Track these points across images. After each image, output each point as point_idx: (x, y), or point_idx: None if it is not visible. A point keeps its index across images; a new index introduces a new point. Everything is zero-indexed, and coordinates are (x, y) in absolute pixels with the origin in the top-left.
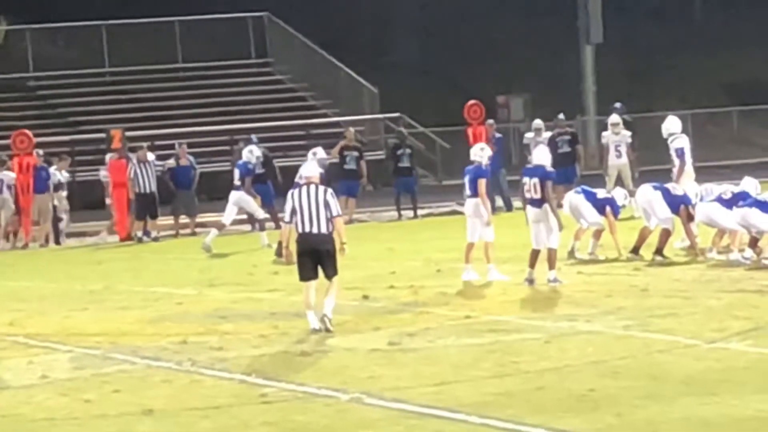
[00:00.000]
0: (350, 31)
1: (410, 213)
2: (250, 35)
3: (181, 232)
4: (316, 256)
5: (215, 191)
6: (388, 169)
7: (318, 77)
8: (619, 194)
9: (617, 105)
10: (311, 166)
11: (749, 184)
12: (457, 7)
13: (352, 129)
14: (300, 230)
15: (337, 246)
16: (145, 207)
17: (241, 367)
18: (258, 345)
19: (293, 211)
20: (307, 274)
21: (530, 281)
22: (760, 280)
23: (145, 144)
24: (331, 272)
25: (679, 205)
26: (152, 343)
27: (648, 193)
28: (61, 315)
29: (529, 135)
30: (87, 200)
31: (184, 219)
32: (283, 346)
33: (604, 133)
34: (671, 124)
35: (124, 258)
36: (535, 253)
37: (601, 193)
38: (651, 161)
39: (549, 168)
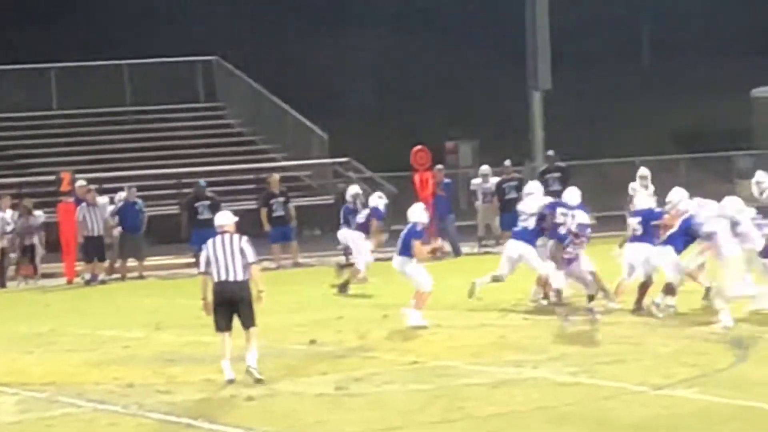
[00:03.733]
0: (300, 76)
1: None
2: (199, 79)
3: (129, 275)
4: (232, 305)
5: (163, 235)
6: (336, 214)
7: (267, 121)
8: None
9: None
10: (225, 214)
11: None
12: (407, 52)
13: (276, 175)
14: (216, 279)
15: (254, 294)
16: (94, 250)
17: (188, 410)
18: (205, 389)
19: (208, 261)
20: (222, 324)
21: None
22: (707, 327)
23: (93, 187)
24: (248, 322)
25: None
26: (99, 386)
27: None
28: (8, 357)
29: (476, 181)
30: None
31: (132, 262)
32: (231, 390)
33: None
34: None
35: (72, 300)
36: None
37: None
38: (597, 208)
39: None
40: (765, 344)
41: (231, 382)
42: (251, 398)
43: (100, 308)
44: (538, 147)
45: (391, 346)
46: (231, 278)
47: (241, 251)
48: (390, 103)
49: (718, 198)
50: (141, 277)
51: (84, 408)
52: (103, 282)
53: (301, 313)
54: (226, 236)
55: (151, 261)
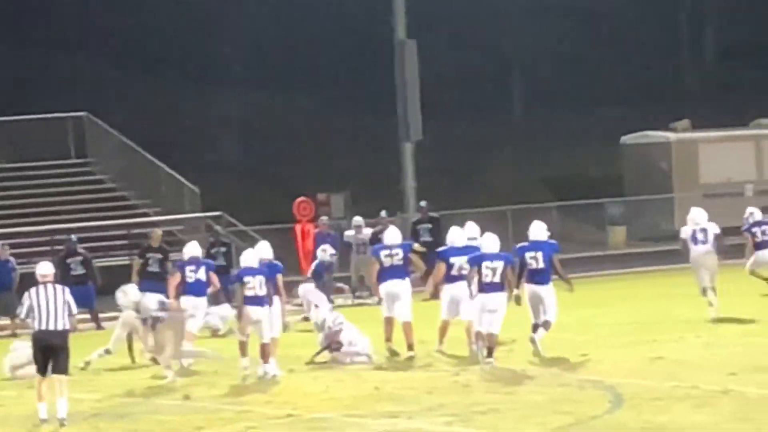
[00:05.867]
0: (170, 131)
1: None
2: (69, 135)
3: (1, 333)
4: (51, 352)
5: None
6: None
7: (138, 177)
8: None
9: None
10: (46, 265)
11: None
12: (276, 104)
13: (159, 230)
14: (38, 327)
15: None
16: None
17: None
18: None
19: (30, 309)
20: (43, 368)
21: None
22: (580, 375)
23: None
24: (62, 368)
25: None
26: None
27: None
28: None
29: (349, 233)
30: None
31: (4, 320)
32: None
33: None
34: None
35: None
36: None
37: None
38: None
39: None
40: (638, 390)
41: (44, 421)
42: None
43: None
44: (410, 197)
45: (267, 399)
46: (53, 327)
47: (65, 302)
48: (260, 158)
49: (589, 245)
50: (14, 335)
51: None
52: None
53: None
54: (49, 286)
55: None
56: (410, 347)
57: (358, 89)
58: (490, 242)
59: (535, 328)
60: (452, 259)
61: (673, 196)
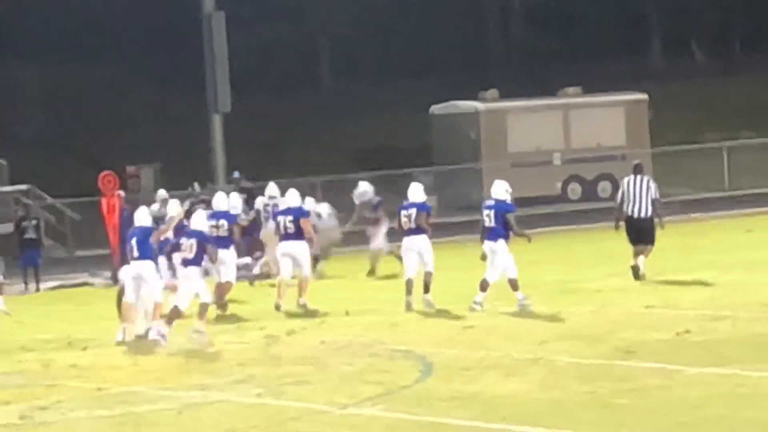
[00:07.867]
0: None
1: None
2: None
3: None
4: None
5: None
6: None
7: None
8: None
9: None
10: None
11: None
12: (85, 77)
13: None
14: None
15: None
16: None
17: None
18: None
19: None
20: None
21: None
22: (391, 344)
23: None
24: None
25: None
26: None
27: None
28: None
29: (155, 207)
30: None
31: None
32: None
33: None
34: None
35: None
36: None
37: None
38: None
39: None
40: (449, 359)
41: None
42: None
43: None
44: (220, 169)
45: (76, 373)
46: None
47: None
48: (68, 131)
49: None
50: None
51: None
52: None
53: None
54: None
55: None
56: (223, 306)
57: (167, 62)
58: (413, 190)
59: (483, 284)
60: None
61: (481, 165)
